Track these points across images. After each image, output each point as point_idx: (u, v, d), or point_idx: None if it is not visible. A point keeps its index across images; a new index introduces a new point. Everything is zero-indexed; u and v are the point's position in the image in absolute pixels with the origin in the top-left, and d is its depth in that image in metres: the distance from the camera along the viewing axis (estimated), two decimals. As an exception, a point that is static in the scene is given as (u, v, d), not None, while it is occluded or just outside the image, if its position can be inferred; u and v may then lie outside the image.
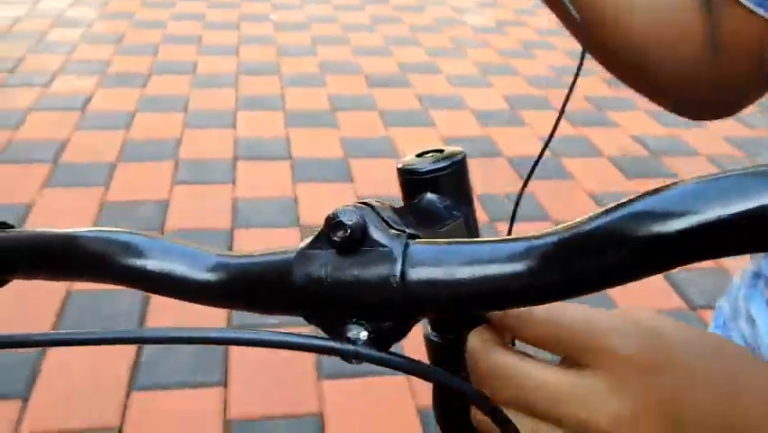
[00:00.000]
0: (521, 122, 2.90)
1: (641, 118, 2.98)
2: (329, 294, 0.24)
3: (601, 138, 2.77)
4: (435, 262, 0.23)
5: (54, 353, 1.54)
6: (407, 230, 0.25)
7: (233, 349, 1.58)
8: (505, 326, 0.26)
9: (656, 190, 0.20)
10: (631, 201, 0.20)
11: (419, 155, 0.33)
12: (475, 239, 0.24)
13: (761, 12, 0.45)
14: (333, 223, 0.24)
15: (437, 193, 0.31)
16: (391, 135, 2.72)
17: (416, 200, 0.32)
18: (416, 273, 0.23)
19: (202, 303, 0.27)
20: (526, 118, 2.93)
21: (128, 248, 0.28)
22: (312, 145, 2.61)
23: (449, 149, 0.33)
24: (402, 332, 0.24)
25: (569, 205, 2.26)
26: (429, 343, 0.32)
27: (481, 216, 2.17)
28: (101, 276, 0.28)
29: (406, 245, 0.24)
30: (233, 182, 2.32)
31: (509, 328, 0.26)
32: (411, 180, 0.32)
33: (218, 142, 2.60)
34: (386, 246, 0.24)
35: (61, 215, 2.07)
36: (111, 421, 1.38)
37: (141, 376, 1.49)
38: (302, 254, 0.25)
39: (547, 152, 2.63)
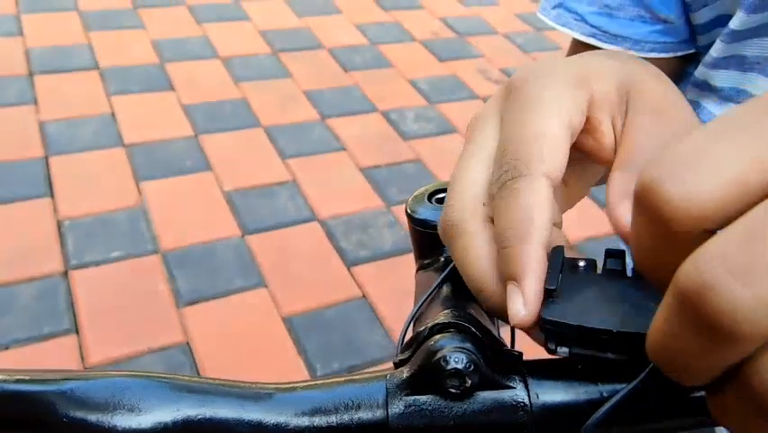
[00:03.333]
0: (336, 10, 2.76)
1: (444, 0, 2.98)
2: None
3: (413, 23, 2.74)
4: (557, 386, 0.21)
5: None
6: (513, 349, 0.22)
7: (79, 292, 1.41)
8: None
9: None
10: None
11: (431, 195, 0.28)
12: None
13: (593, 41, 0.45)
14: (445, 372, 0.20)
15: None
16: (206, 33, 2.45)
17: (440, 257, 0.28)
18: (543, 398, 0.21)
19: None
20: (340, 5, 2.79)
21: (173, 399, 0.20)
22: (119, 51, 2.27)
23: None
24: None
25: (392, 92, 2.25)
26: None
27: (311, 114, 2.09)
28: None
29: (523, 375, 0.21)
30: (35, 102, 1.97)
31: None
32: (429, 235, 0.28)
33: (5, 55, 2.16)
34: (511, 386, 0.21)
35: None
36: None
37: (-24, 339, 1.29)
38: (400, 405, 0.21)
39: (365, 41, 2.56)
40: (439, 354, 0.20)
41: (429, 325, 0.22)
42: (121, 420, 0.19)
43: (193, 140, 1.90)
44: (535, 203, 0.21)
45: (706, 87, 0.43)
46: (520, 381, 0.21)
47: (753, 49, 0.39)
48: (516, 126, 0.23)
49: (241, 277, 1.49)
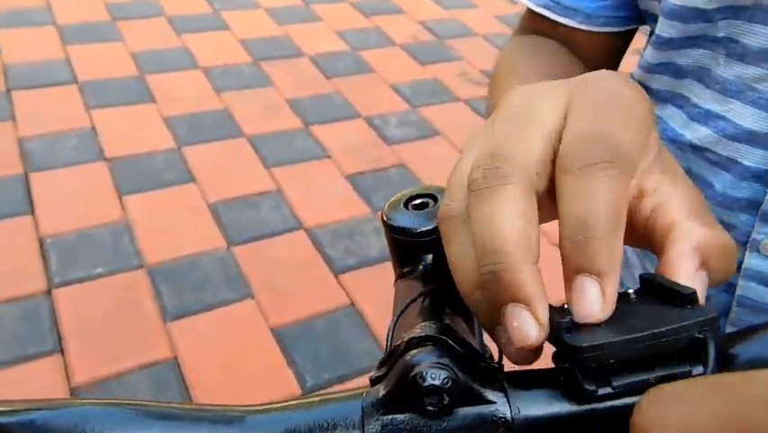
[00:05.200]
0: (317, 17, 2.75)
1: (424, 3, 2.98)
2: None
3: (393, 27, 2.74)
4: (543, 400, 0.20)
5: None
6: (488, 358, 0.21)
7: (63, 311, 1.39)
8: None
9: None
10: None
11: (407, 202, 0.27)
12: None
13: (547, 13, 0.47)
14: (423, 389, 0.19)
15: (438, 253, 0.25)
16: (186, 43, 2.43)
17: (420, 265, 0.27)
18: (525, 412, 0.20)
19: None
20: (320, 13, 2.79)
21: (141, 427, 0.19)
22: (98, 64, 2.25)
23: (436, 190, 0.27)
24: None
25: (374, 98, 2.24)
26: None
27: (294, 122, 2.08)
28: None
29: (504, 389, 0.20)
30: (13, 119, 1.94)
31: None
32: (408, 243, 0.27)
33: (-19, 71, 2.13)
34: (492, 401, 0.20)
35: None
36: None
37: (-42, 363, 1.26)
38: (377, 425, 0.20)
39: (346, 47, 2.55)
40: (415, 371, 0.19)
41: (405, 339, 0.21)
42: None
43: (175, 152, 1.88)
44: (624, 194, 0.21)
45: (643, 89, 0.45)
46: (501, 395, 0.20)
47: (687, 59, 0.39)
48: (614, 121, 0.22)
49: (227, 289, 1.47)
